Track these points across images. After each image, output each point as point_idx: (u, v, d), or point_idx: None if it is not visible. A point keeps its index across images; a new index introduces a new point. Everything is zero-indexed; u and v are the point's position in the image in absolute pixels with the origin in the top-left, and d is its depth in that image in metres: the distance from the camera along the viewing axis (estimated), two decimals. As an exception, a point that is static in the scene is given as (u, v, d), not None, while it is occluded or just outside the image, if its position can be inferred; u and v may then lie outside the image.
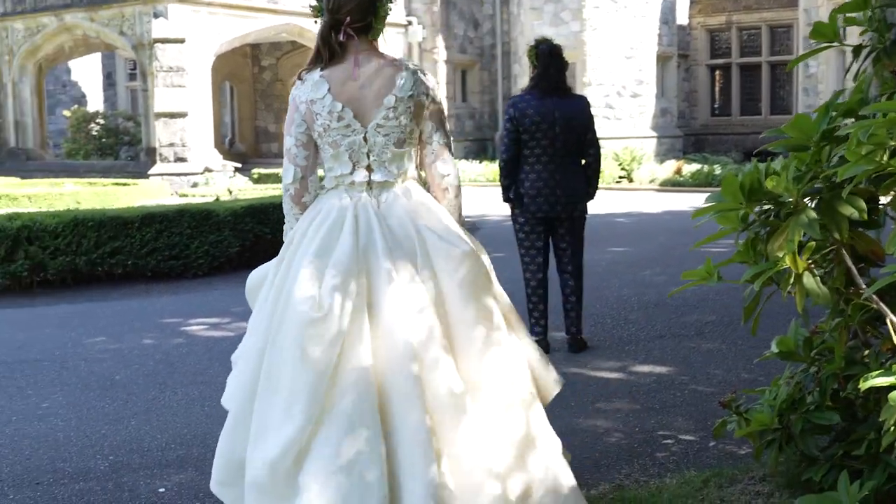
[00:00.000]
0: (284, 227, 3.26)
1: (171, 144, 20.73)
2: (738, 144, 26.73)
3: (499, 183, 6.45)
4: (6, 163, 22.98)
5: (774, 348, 3.62)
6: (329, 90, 3.04)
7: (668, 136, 26.39)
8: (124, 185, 17.28)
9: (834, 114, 3.08)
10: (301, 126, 3.11)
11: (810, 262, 3.03)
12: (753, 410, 3.62)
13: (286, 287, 2.98)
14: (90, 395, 5.66)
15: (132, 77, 29.42)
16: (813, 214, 2.91)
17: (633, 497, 3.78)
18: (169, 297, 9.19)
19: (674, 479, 3.96)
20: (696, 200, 3.17)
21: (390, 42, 24.75)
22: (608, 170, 21.95)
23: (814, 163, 3.03)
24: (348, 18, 3.04)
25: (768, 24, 27.80)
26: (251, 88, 28.25)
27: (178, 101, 20.63)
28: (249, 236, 10.56)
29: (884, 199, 3.10)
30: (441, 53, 26.33)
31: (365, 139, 3.08)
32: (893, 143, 2.63)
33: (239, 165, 23.02)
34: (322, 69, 3.08)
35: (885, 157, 2.68)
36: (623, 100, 25.14)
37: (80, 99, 32.37)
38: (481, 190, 20.28)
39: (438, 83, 26.09)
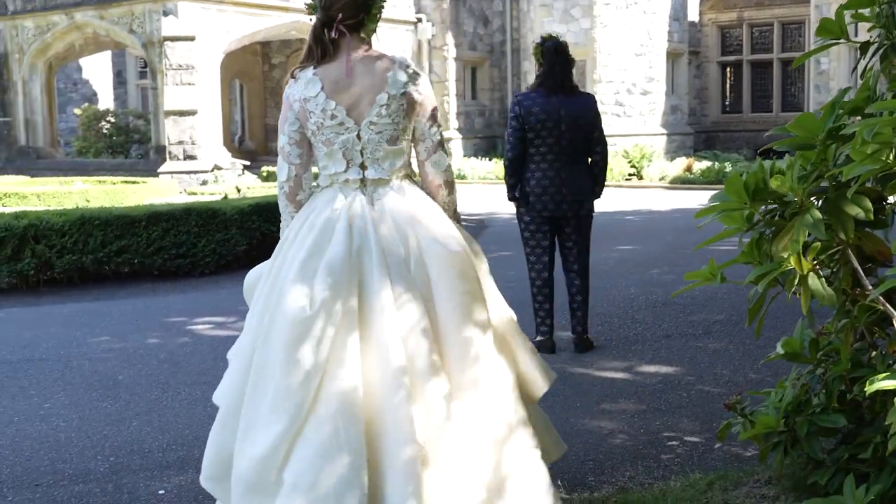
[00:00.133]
0: (280, 225, 3.28)
1: (181, 142, 20.74)
2: (750, 142, 26.60)
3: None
4: (16, 161, 23.02)
5: (780, 350, 3.57)
6: (322, 88, 3.05)
7: (679, 133, 26.28)
8: (133, 183, 17.28)
9: (840, 112, 3.03)
10: (295, 124, 3.13)
11: (815, 262, 2.98)
12: (758, 412, 3.57)
13: (278, 285, 2.99)
14: (93, 395, 5.64)
15: (143, 75, 29.45)
16: (818, 214, 2.86)
17: (637, 500, 3.73)
18: (175, 295, 9.17)
19: (678, 482, 3.91)
20: (705, 198, 3.11)
21: (400, 39, 25.03)
22: (618, 167, 21.88)
23: (819, 162, 2.98)
24: (340, 15, 3.06)
25: (780, 20, 27.65)
26: (261, 86, 28.25)
27: (187, 98, 20.63)
28: (256, 235, 10.54)
29: (891, 199, 3.05)
30: (450, 50, 26.28)
31: (358, 137, 3.08)
32: (899, 142, 2.58)
33: (248, 163, 23.01)
34: (315, 67, 3.09)
35: (891, 157, 2.62)
36: (633, 97, 25.04)
37: (91, 97, 32.41)
38: (491, 187, 20.23)
39: (448, 80, 26.07)
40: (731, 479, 3.86)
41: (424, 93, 3.15)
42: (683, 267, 9.36)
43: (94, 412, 5.30)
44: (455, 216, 3.29)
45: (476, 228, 13.95)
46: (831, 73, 22.01)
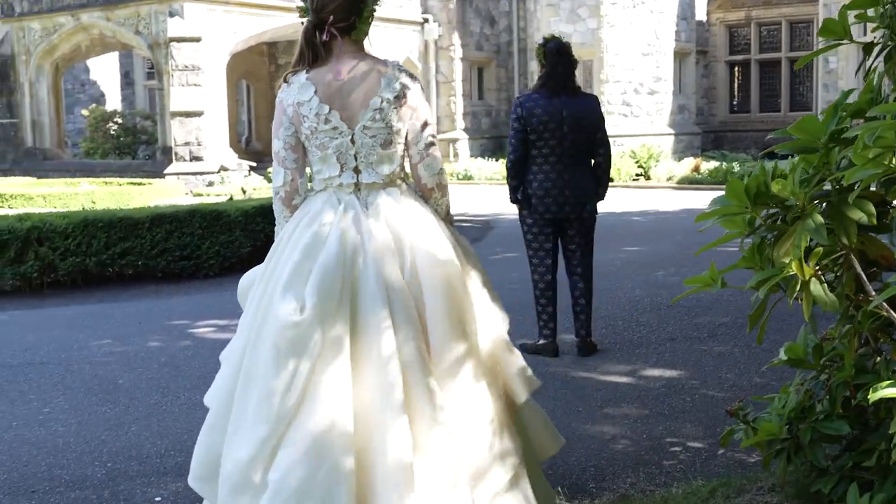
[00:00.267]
0: (276, 229, 3.26)
1: (187, 143, 20.73)
2: (758, 141, 26.48)
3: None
4: (23, 162, 23.05)
5: (783, 355, 3.52)
6: (316, 92, 3.03)
7: (686, 133, 26.19)
8: (139, 184, 17.29)
9: (843, 114, 2.97)
10: (289, 129, 3.11)
11: (818, 267, 2.92)
12: (761, 419, 3.51)
13: (269, 289, 2.98)
14: (92, 399, 5.61)
15: (150, 76, 29.48)
16: (820, 219, 2.81)
17: (638, 508, 3.69)
18: (179, 297, 9.14)
19: (680, 489, 3.86)
20: (718, 195, 3.07)
21: (406, 39, 24.99)
22: (625, 167, 21.81)
23: (822, 165, 2.92)
24: (332, 18, 3.03)
25: (788, 19, 27.55)
26: (268, 87, 28.23)
27: (193, 100, 20.62)
28: (261, 236, 10.50)
29: (895, 203, 2.99)
30: (457, 51, 26.22)
31: (352, 141, 3.07)
32: (902, 146, 2.52)
33: (254, 164, 23.00)
34: (308, 71, 3.07)
35: (894, 161, 2.57)
36: (640, 97, 24.95)
37: (99, 98, 32.42)
38: (497, 188, 20.17)
39: (455, 80, 26.03)
40: (733, 486, 3.80)
41: (417, 96, 3.13)
42: (690, 268, 9.31)
43: (93, 417, 5.27)
44: (448, 218, 3.27)
45: (482, 229, 13.90)
46: (840, 72, 21.91)
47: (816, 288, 2.90)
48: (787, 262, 2.86)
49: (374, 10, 3.12)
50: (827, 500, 3.28)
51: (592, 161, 6.26)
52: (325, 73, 3.06)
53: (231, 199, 13.08)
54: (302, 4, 3.12)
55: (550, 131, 6.02)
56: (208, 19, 20.90)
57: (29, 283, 9.43)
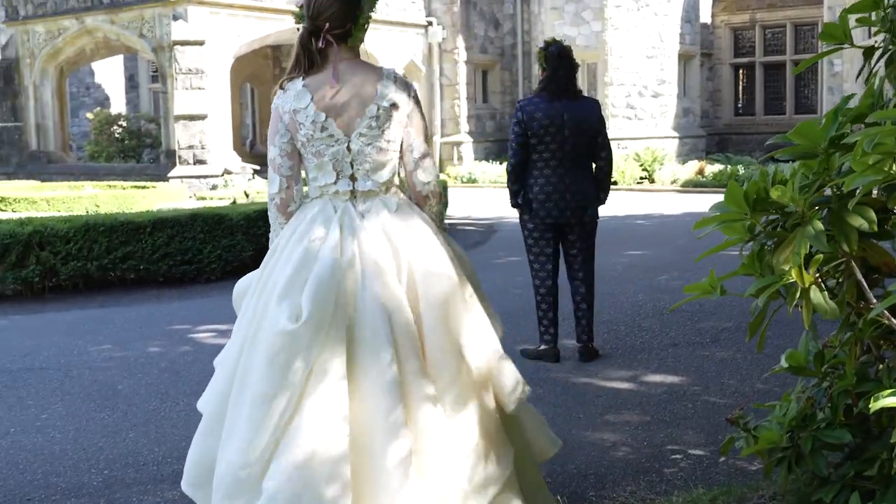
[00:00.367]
0: (270, 236, 3.26)
1: (191, 147, 20.71)
2: (762, 144, 26.42)
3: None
4: (27, 166, 23.05)
5: (784, 363, 3.48)
6: (312, 100, 3.02)
7: (691, 136, 26.14)
8: (143, 188, 17.27)
9: (843, 119, 2.94)
10: (285, 136, 3.11)
11: (818, 274, 2.89)
12: (762, 427, 3.48)
13: (265, 296, 2.96)
14: (90, 405, 5.58)
15: (154, 79, 29.48)
16: (820, 226, 2.77)
17: (637, 517, 3.65)
18: (180, 302, 9.11)
19: (680, 497, 3.82)
20: (718, 201, 3.04)
21: (410, 42, 24.97)
22: (629, 170, 21.77)
23: (822, 171, 2.89)
24: (327, 24, 3.02)
25: (792, 22, 27.50)
26: (272, 90, 28.23)
27: (197, 103, 20.61)
28: (263, 240, 10.45)
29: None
30: (461, 54, 26.19)
31: (348, 149, 3.06)
32: (902, 152, 2.49)
33: (258, 168, 22.95)
34: (304, 78, 3.05)
35: (895, 167, 2.53)
36: (644, 100, 24.90)
37: (104, 101, 32.47)
38: (501, 191, 20.11)
39: (459, 83, 25.99)
40: (734, 494, 3.76)
41: (413, 104, 3.12)
42: (693, 273, 9.27)
43: (90, 423, 5.24)
44: (441, 225, 3.26)
45: (485, 233, 13.85)
46: (845, 75, 21.83)
47: (816, 295, 2.86)
48: (787, 269, 2.83)
49: (370, 17, 3.12)
50: (828, 510, 3.24)
51: (593, 165, 6.23)
52: (321, 80, 3.04)
53: (234, 202, 13.06)
54: (298, 10, 3.11)
55: (551, 135, 5.99)
56: (212, 23, 20.89)
57: (30, 287, 9.41)
